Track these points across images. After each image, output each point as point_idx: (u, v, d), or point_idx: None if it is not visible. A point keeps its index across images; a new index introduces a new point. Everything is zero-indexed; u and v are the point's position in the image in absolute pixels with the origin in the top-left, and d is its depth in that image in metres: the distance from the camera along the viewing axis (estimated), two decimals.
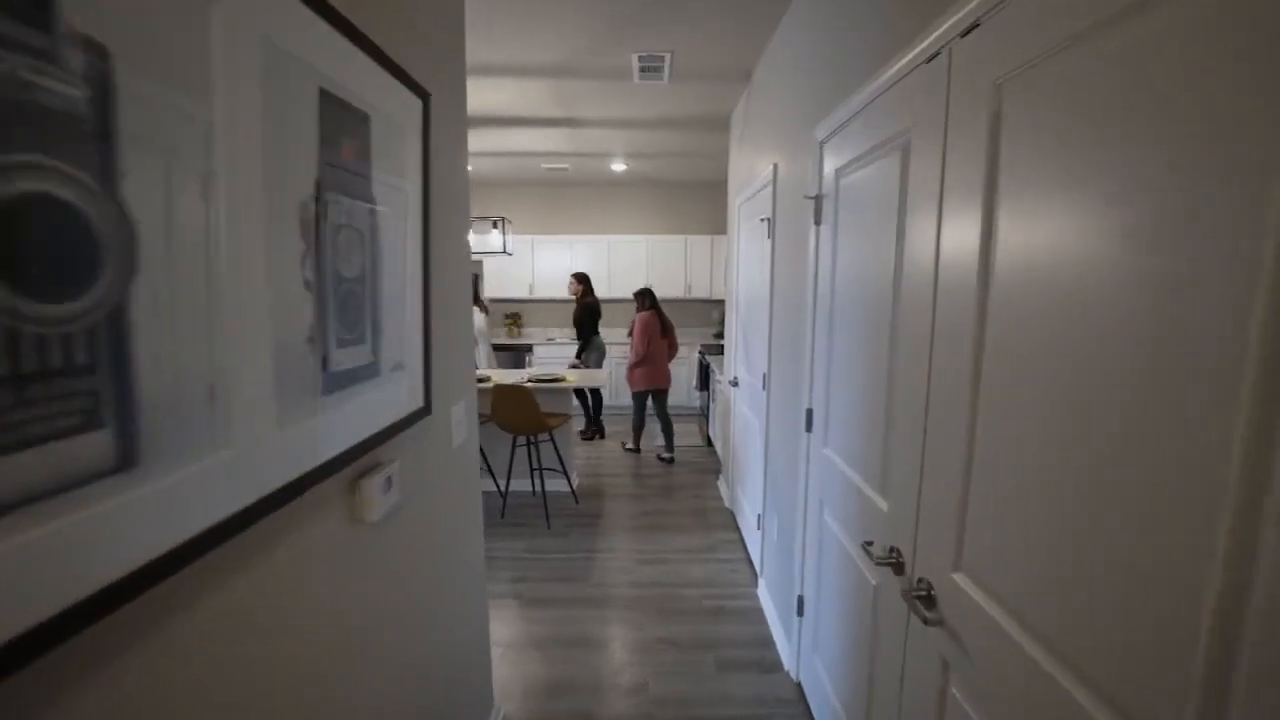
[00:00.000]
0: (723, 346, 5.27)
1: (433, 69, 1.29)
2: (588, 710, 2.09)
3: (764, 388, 2.85)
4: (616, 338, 6.41)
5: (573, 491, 4.14)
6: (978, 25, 1.00)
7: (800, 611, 2.11)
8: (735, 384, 3.83)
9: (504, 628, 2.58)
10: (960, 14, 1.04)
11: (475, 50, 2.94)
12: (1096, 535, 0.73)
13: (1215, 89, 0.58)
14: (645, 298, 4.99)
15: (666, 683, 2.22)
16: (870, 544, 1.40)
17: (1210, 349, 0.58)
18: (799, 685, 2.17)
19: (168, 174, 0.57)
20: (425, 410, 1.24)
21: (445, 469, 1.44)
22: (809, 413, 2.00)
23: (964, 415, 1.03)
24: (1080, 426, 0.76)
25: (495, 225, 5.02)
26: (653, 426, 5.54)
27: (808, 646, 2.06)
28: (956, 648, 1.05)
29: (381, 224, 1.01)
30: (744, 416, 3.49)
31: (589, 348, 5.39)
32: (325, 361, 0.84)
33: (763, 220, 2.87)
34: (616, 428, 5.87)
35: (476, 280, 6.86)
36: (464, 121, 1.56)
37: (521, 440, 3.97)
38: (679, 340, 6.46)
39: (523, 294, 6.98)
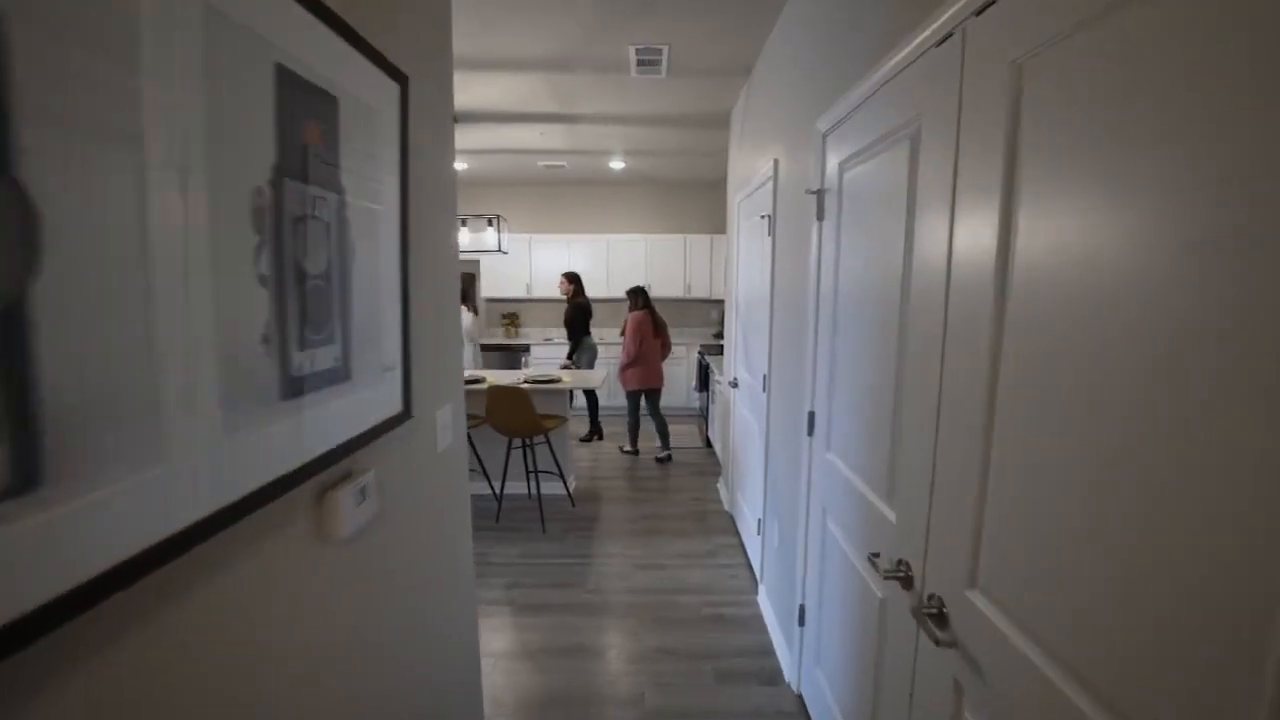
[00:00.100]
0: (722, 347, 5.20)
1: (412, 52, 1.22)
2: None
3: (764, 389, 2.77)
4: (615, 338, 6.34)
5: (569, 494, 4.07)
6: (994, 1, 0.93)
7: (802, 621, 2.04)
8: (735, 385, 3.76)
9: (497, 636, 2.51)
10: None
11: (465, 42, 2.87)
12: (1138, 560, 0.66)
13: None
14: (638, 296, 4.93)
15: (664, 694, 2.15)
16: (877, 555, 1.33)
17: None
18: (800, 697, 2.10)
19: (83, 152, 0.49)
20: (405, 415, 1.16)
21: (429, 476, 1.37)
22: (811, 415, 1.93)
23: (980, 422, 0.95)
24: (1123, 440, 0.69)
25: (490, 223, 4.94)
26: (649, 427, 5.47)
27: (810, 658, 1.99)
28: (971, 671, 0.98)
29: (353, 216, 0.94)
30: (744, 418, 3.42)
31: (580, 348, 5.31)
32: (285, 363, 0.77)
33: (763, 217, 2.80)
34: (615, 429, 5.80)
35: (473, 280, 6.80)
36: (449, 109, 1.49)
37: (517, 442, 3.90)
38: (674, 340, 6.41)
39: (520, 294, 6.91)
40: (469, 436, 3.86)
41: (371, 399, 1.03)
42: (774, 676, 2.25)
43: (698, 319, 7.16)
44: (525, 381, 4.04)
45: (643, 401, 4.97)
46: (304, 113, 0.80)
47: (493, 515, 3.79)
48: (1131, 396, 0.66)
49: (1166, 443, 0.62)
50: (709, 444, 5.49)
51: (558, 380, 4.18)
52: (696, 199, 6.99)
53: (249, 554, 0.75)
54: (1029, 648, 0.84)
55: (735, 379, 3.75)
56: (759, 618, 2.65)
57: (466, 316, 4.59)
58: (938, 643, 1.02)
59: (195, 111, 0.60)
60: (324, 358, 0.86)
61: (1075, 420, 0.75)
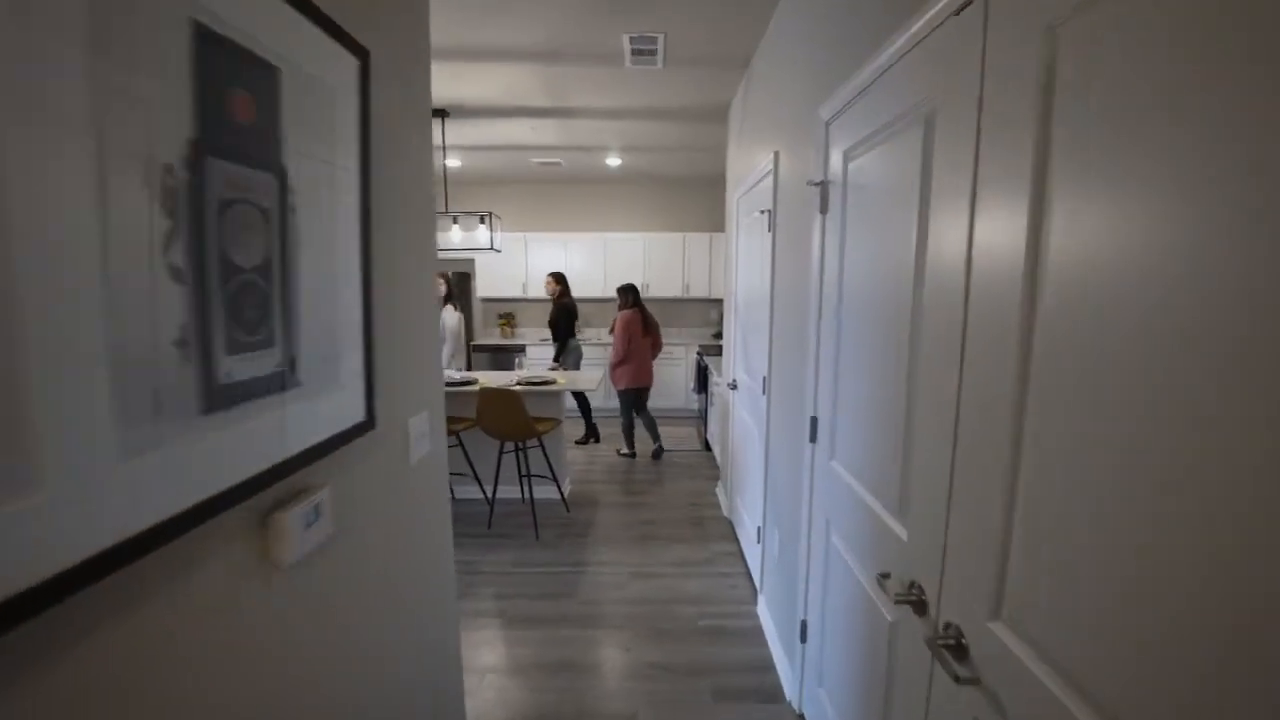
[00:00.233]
0: (722, 347, 5.10)
1: (378, 25, 1.12)
2: None
3: (764, 392, 2.67)
4: (606, 337, 6.23)
5: (563, 499, 3.96)
6: None
7: (804, 638, 1.93)
8: (734, 387, 3.65)
9: (486, 651, 2.41)
10: None
11: (451, 31, 2.77)
12: (1193, 591, 0.55)
13: None
14: (628, 294, 4.86)
15: (658, 714, 2.05)
16: (886, 576, 1.22)
17: None
18: (801, 717, 1.99)
19: None
20: (368, 424, 1.06)
21: (400, 491, 1.27)
22: (813, 421, 1.82)
23: (1007, 436, 0.85)
24: (1180, 456, 0.58)
25: (482, 220, 4.83)
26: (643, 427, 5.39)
27: (812, 677, 1.88)
28: (994, 712, 0.87)
29: (300, 203, 0.83)
30: (743, 422, 3.31)
31: (567, 350, 5.20)
32: (209, 371, 0.66)
33: (763, 213, 2.69)
34: (611, 430, 5.69)
35: (467, 278, 6.69)
36: (426, 93, 1.38)
37: (509, 445, 3.80)
38: (672, 341, 6.33)
39: (516, 293, 6.80)
40: (460, 439, 3.77)
41: (327, 407, 0.92)
42: (774, 693, 2.14)
43: (696, 319, 7.05)
44: (518, 383, 3.93)
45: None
46: (234, 82, 0.69)
47: (484, 521, 3.69)
48: (1200, 413, 0.56)
49: (1245, 458, 0.51)
50: (707, 446, 5.39)
51: (551, 382, 4.07)
52: (695, 196, 6.88)
53: (167, 591, 0.65)
54: (1066, 694, 0.73)
55: (734, 381, 3.65)
56: (758, 630, 2.55)
57: (451, 316, 4.46)
58: (958, 679, 0.92)
59: (74, 63, 0.50)
60: (262, 363, 0.76)
61: (1124, 439, 0.64)
